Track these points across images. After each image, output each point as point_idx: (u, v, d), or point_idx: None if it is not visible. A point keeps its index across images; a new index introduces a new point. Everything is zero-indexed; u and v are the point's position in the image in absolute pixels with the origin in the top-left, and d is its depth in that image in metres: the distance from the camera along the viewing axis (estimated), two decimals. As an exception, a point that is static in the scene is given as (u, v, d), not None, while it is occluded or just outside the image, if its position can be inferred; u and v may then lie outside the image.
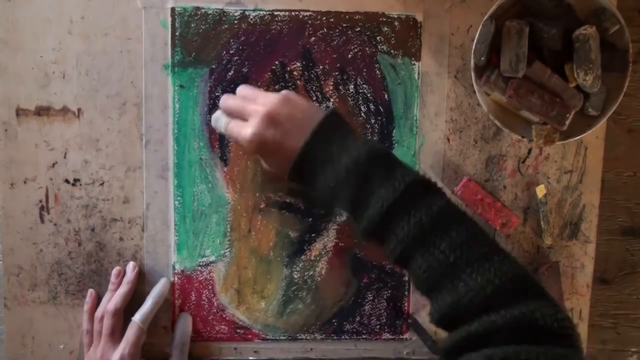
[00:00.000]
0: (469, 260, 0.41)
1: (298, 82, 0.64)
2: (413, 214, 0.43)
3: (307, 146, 0.46)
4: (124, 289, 0.62)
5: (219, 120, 0.55)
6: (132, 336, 0.59)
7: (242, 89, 0.55)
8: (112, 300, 0.61)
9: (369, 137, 0.48)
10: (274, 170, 0.51)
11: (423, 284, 0.43)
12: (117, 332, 0.60)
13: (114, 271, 0.63)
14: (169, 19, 0.63)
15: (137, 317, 0.60)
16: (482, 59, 0.59)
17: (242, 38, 0.63)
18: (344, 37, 0.64)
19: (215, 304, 0.66)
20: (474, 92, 0.62)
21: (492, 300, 0.40)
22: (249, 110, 0.50)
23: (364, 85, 0.65)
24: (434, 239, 0.42)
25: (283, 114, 0.48)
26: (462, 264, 0.41)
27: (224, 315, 0.66)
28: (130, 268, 0.63)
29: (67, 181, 0.64)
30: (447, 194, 0.46)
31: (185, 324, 0.64)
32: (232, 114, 0.53)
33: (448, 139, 0.66)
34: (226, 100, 0.54)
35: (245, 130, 0.49)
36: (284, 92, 0.51)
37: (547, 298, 0.41)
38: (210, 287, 0.66)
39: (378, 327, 0.67)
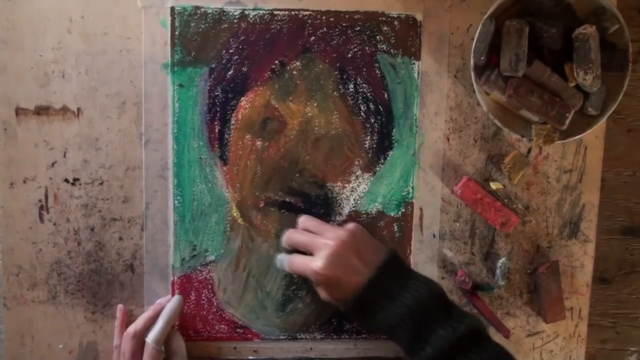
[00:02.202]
0: None
1: (298, 82, 0.64)
2: (470, 356, 0.46)
3: (371, 282, 0.49)
4: (148, 313, 0.61)
5: (282, 261, 0.59)
6: (148, 358, 0.58)
7: (306, 221, 0.58)
8: (134, 322, 0.61)
9: (425, 276, 0.52)
10: (332, 300, 0.52)
11: None
12: (138, 355, 0.59)
13: (161, 299, 0.64)
14: (169, 18, 0.63)
15: (150, 338, 0.59)
16: (482, 58, 0.59)
17: (242, 37, 0.63)
18: (343, 37, 0.64)
19: (215, 303, 0.66)
20: (474, 91, 0.62)
21: None
22: (317, 244, 0.52)
23: (364, 85, 0.65)
24: None
25: (351, 250, 0.51)
26: None
27: (223, 315, 0.66)
28: (169, 298, 0.63)
29: (66, 181, 0.64)
30: (490, 337, 0.50)
31: (175, 301, 0.63)
32: (298, 247, 0.56)
33: (448, 139, 0.66)
34: (292, 234, 0.57)
35: (315, 264, 0.51)
36: (351, 226, 0.54)
37: None
38: (209, 287, 0.66)
39: (378, 326, 0.67)
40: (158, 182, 0.64)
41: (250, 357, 0.67)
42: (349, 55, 0.64)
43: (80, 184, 0.64)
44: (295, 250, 0.60)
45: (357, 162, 0.66)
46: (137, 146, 0.64)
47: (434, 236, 0.67)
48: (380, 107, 0.65)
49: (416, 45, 0.65)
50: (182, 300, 0.63)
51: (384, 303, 0.49)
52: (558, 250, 0.68)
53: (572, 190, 0.67)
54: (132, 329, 0.60)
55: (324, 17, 0.64)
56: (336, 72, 0.64)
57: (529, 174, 0.67)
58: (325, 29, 0.64)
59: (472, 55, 0.60)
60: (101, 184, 0.64)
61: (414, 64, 0.65)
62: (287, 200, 0.65)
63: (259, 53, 0.64)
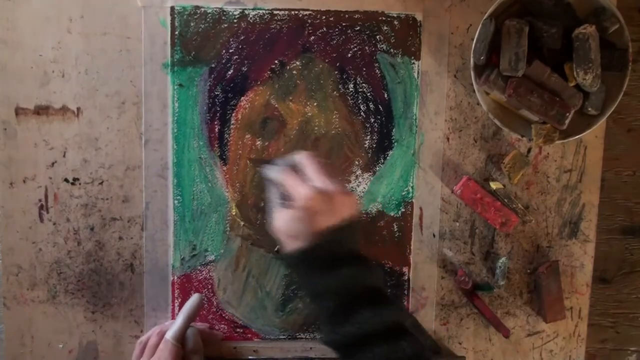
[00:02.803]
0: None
1: (298, 82, 0.64)
2: (387, 351, 0.46)
3: (328, 238, 0.48)
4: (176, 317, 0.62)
5: (272, 170, 0.55)
6: (167, 354, 0.58)
7: (325, 166, 0.55)
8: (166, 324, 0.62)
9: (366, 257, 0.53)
10: (288, 234, 0.51)
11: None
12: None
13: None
14: (169, 18, 0.63)
15: (169, 334, 0.59)
16: (482, 58, 0.59)
17: (242, 37, 0.63)
18: (343, 36, 0.64)
19: (215, 303, 0.66)
20: (474, 91, 0.62)
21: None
22: (322, 179, 0.51)
23: (364, 84, 0.65)
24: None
25: (341, 202, 0.50)
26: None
27: (223, 315, 0.66)
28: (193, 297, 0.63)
29: (66, 180, 0.64)
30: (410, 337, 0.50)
31: (195, 299, 0.63)
32: (303, 170, 0.53)
33: (448, 138, 0.66)
34: (306, 157, 0.54)
35: (306, 188, 0.50)
36: (350, 191, 0.54)
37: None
38: (209, 286, 0.66)
39: (378, 326, 0.67)
40: (158, 181, 0.64)
41: (250, 357, 0.67)
42: (349, 55, 0.64)
43: (80, 184, 0.64)
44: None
45: (356, 162, 0.66)
46: (137, 146, 0.64)
47: (434, 236, 0.67)
48: (380, 106, 0.65)
49: (416, 45, 0.65)
50: (203, 298, 0.63)
51: (327, 266, 0.48)
52: (558, 250, 0.68)
53: (572, 190, 0.67)
54: (157, 328, 0.62)
55: (324, 17, 0.64)
56: (336, 72, 0.64)
57: (529, 174, 0.67)
58: (325, 29, 0.64)
59: (472, 55, 0.60)
60: (101, 183, 0.64)
61: (413, 63, 0.65)
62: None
63: (258, 53, 0.64)
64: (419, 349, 0.48)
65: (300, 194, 0.49)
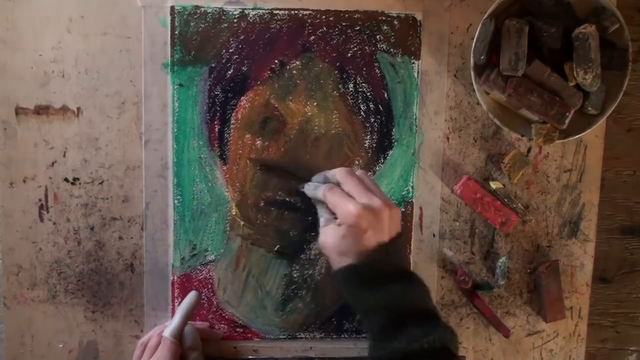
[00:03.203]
0: None
1: (298, 81, 0.64)
2: None
3: (381, 253, 0.49)
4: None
5: (317, 188, 0.56)
6: (166, 352, 0.58)
7: (366, 178, 0.56)
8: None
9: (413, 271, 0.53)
10: (337, 251, 0.51)
11: None
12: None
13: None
14: (169, 18, 0.63)
15: (167, 332, 0.59)
16: (482, 57, 0.59)
17: (242, 37, 0.63)
18: (343, 36, 0.64)
19: (215, 302, 0.66)
20: (474, 90, 0.62)
21: None
22: (368, 195, 0.51)
23: (364, 84, 0.65)
24: None
25: (389, 218, 0.50)
26: None
27: (223, 314, 0.66)
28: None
29: (66, 180, 0.64)
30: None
31: (191, 296, 0.63)
32: (345, 187, 0.53)
33: (447, 138, 0.66)
34: (346, 174, 0.54)
35: (354, 204, 0.50)
36: (394, 204, 0.53)
37: None
38: (209, 286, 0.66)
39: (378, 326, 0.67)
40: (158, 181, 0.64)
41: (250, 357, 0.67)
42: (349, 54, 0.64)
43: (80, 184, 0.64)
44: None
45: (357, 162, 0.66)
46: (137, 146, 0.64)
47: (434, 235, 0.67)
48: (380, 106, 0.65)
49: (416, 45, 0.65)
50: (199, 296, 0.64)
51: (376, 284, 0.49)
52: (558, 249, 0.68)
53: (572, 189, 0.67)
54: (158, 328, 0.62)
55: (324, 17, 0.64)
56: (336, 72, 0.64)
57: (529, 174, 0.67)
58: (325, 29, 0.64)
59: (472, 54, 0.60)
60: (101, 183, 0.64)
61: (413, 63, 0.65)
62: (287, 199, 0.65)
63: (258, 52, 0.64)
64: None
65: (347, 211, 0.49)
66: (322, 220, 0.54)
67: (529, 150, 0.67)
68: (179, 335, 0.59)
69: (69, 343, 0.66)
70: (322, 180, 0.58)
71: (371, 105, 0.65)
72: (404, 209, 0.66)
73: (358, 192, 0.51)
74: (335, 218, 0.52)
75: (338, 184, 0.54)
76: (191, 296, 0.63)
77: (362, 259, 0.49)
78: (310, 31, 0.64)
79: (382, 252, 0.49)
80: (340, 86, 0.65)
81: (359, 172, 0.55)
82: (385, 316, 0.48)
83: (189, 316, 0.61)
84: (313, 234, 0.66)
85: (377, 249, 0.49)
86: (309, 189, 0.58)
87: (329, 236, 0.51)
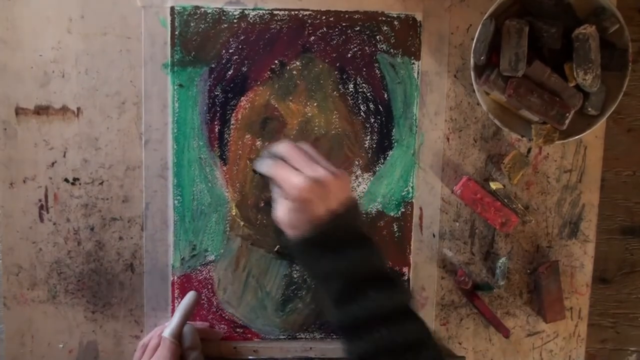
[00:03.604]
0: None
1: (298, 82, 0.64)
2: (390, 330, 0.47)
3: (331, 222, 0.49)
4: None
5: (263, 164, 0.55)
6: (166, 352, 0.58)
7: (308, 148, 0.55)
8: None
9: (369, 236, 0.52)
10: (290, 224, 0.51)
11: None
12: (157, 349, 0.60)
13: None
14: (169, 18, 0.63)
15: (167, 332, 0.59)
16: (482, 58, 0.59)
17: (242, 37, 0.63)
18: (343, 37, 0.64)
19: (215, 303, 0.66)
20: (474, 91, 0.62)
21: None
22: (311, 165, 0.51)
23: (364, 85, 0.65)
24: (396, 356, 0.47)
25: (334, 186, 0.50)
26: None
27: (223, 315, 0.66)
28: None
29: (66, 180, 0.64)
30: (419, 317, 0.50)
31: (190, 296, 0.63)
32: (289, 160, 0.53)
33: (448, 138, 0.66)
34: (289, 147, 0.53)
35: (299, 178, 0.50)
36: (343, 171, 0.53)
37: None
38: (209, 286, 0.66)
39: (377, 326, 0.67)
40: (158, 181, 0.64)
41: (250, 357, 0.67)
42: (349, 55, 0.64)
43: (80, 184, 0.64)
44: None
45: (356, 162, 0.66)
46: (137, 146, 0.64)
47: (434, 236, 0.67)
48: (380, 106, 0.65)
49: (416, 45, 0.65)
50: (198, 296, 0.64)
51: (329, 251, 0.49)
52: (558, 250, 0.68)
53: (572, 190, 0.67)
54: (158, 329, 0.62)
55: (324, 17, 0.64)
56: (336, 72, 0.64)
57: (529, 174, 0.67)
58: (325, 29, 0.64)
59: (472, 55, 0.60)
60: (101, 183, 0.64)
61: (413, 63, 0.65)
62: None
63: (258, 53, 0.64)
64: (425, 331, 0.49)
65: (292, 185, 0.49)
66: (274, 195, 0.54)
67: (529, 150, 0.67)
68: (178, 336, 0.60)
69: (69, 343, 0.66)
70: (268, 155, 0.57)
71: (371, 106, 0.65)
72: (404, 209, 0.66)
73: (302, 165, 0.51)
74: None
75: (283, 159, 0.54)
76: (190, 296, 0.63)
77: (313, 229, 0.48)
78: (310, 31, 0.64)
79: (334, 220, 0.49)
80: (340, 86, 0.65)
81: (303, 144, 0.55)
82: (343, 282, 0.48)
83: (188, 316, 0.61)
84: None
85: (328, 218, 0.49)
86: (257, 165, 0.56)
87: (279, 211, 0.51)
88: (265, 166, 0.53)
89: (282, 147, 0.53)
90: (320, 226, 0.48)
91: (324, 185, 0.49)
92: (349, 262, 0.48)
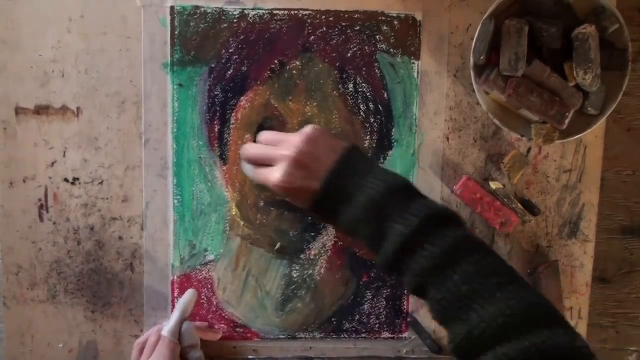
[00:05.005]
0: (482, 291, 0.42)
1: (298, 82, 0.64)
2: (426, 247, 0.44)
3: (323, 188, 0.48)
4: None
5: (245, 167, 0.56)
6: (165, 350, 0.58)
7: (264, 135, 0.55)
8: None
9: (388, 171, 0.48)
10: (300, 206, 0.51)
11: (439, 315, 0.44)
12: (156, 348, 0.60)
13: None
14: (169, 18, 0.63)
15: (166, 331, 0.59)
16: (482, 58, 0.59)
17: (242, 37, 0.63)
18: (343, 36, 0.64)
19: (215, 302, 0.66)
20: (474, 91, 0.62)
21: (505, 331, 0.40)
22: (274, 156, 0.51)
23: (364, 84, 0.65)
24: (448, 272, 0.43)
25: (307, 156, 0.49)
26: (474, 295, 0.42)
27: (223, 314, 0.66)
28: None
29: (66, 180, 0.64)
30: (465, 225, 0.47)
31: (189, 294, 0.63)
32: (257, 162, 0.53)
33: (447, 138, 0.66)
34: (248, 150, 0.54)
35: (273, 176, 0.50)
36: (307, 130, 0.51)
37: (564, 325, 0.41)
38: (209, 286, 0.66)
39: (377, 326, 0.67)
40: (158, 181, 0.64)
41: (250, 357, 0.67)
42: (349, 55, 0.64)
43: (80, 184, 0.64)
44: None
45: (356, 162, 0.65)
46: (137, 146, 0.64)
47: (434, 236, 0.67)
48: (380, 106, 0.65)
49: (416, 45, 0.65)
50: (196, 294, 0.64)
51: (339, 206, 0.47)
52: (558, 250, 0.68)
53: (571, 189, 0.67)
54: (156, 327, 0.62)
55: (324, 17, 0.64)
56: (336, 72, 0.64)
57: (529, 174, 0.67)
58: (325, 29, 0.64)
59: (472, 54, 0.60)
60: (101, 183, 0.64)
61: (413, 63, 0.65)
62: (287, 199, 0.65)
63: (258, 53, 0.64)
64: (462, 227, 0.46)
65: (272, 183, 0.50)
66: (261, 169, 0.53)
67: (528, 150, 0.67)
68: (176, 334, 0.60)
69: (69, 343, 0.66)
70: (243, 161, 0.57)
71: (371, 106, 0.65)
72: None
73: (269, 158, 0.51)
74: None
75: (252, 161, 0.54)
76: (188, 294, 0.63)
77: (324, 181, 0.48)
78: (310, 31, 0.64)
79: (330, 183, 0.48)
80: (340, 86, 0.65)
81: (261, 134, 0.56)
82: (367, 227, 0.46)
83: (187, 314, 0.62)
84: (313, 233, 0.66)
85: (335, 166, 0.48)
86: (243, 151, 0.56)
87: (279, 175, 0.50)
88: (248, 173, 0.54)
89: (244, 151, 0.54)
90: (328, 177, 0.48)
91: (297, 163, 0.49)
92: (359, 206, 0.46)
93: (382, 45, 0.64)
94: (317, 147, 0.50)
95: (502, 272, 0.43)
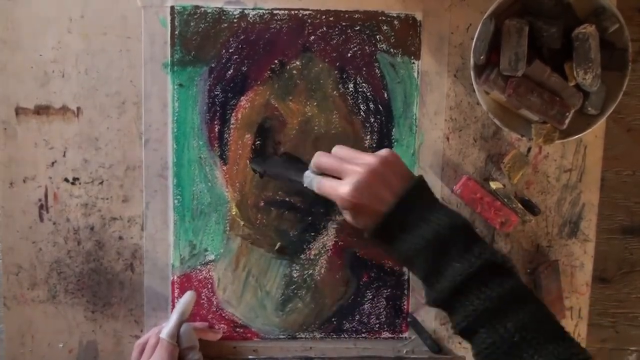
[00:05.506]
0: (533, 342, 0.43)
1: (298, 81, 0.64)
2: (484, 290, 0.45)
3: (389, 213, 0.48)
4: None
5: (309, 178, 0.55)
6: (163, 353, 0.58)
7: (339, 149, 0.55)
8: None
9: (449, 207, 0.50)
10: (358, 226, 0.51)
11: (484, 358, 0.45)
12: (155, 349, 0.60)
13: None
14: (169, 18, 0.63)
15: (164, 333, 0.59)
16: (482, 57, 0.59)
17: (242, 37, 0.63)
18: (343, 36, 0.64)
19: (215, 302, 0.66)
20: (474, 91, 0.62)
21: None
22: (346, 169, 0.51)
23: (364, 84, 0.65)
24: (502, 318, 0.44)
25: (379, 177, 0.49)
26: (525, 345, 0.43)
27: (223, 314, 0.66)
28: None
29: (66, 180, 0.64)
30: (518, 274, 0.48)
31: (187, 296, 0.63)
32: (327, 172, 0.53)
33: (447, 138, 0.66)
34: (322, 157, 0.54)
35: (342, 189, 0.50)
36: (383, 152, 0.51)
37: None
38: (209, 286, 0.66)
39: (377, 325, 0.67)
40: (158, 181, 0.64)
41: (250, 357, 0.67)
42: (349, 54, 0.64)
43: (80, 184, 0.64)
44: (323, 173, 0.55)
45: (356, 162, 0.65)
46: (137, 146, 0.64)
47: (434, 236, 0.67)
48: (380, 106, 0.65)
49: (416, 45, 0.65)
50: (195, 295, 0.64)
51: (401, 234, 0.48)
52: (558, 249, 0.68)
53: (572, 189, 0.67)
54: (156, 329, 0.62)
55: (324, 17, 0.64)
56: (336, 72, 0.64)
57: (529, 173, 0.67)
58: (325, 29, 0.64)
59: (472, 54, 0.60)
60: (101, 183, 0.64)
61: (413, 63, 0.65)
62: (287, 199, 0.65)
63: (258, 52, 0.64)
64: (517, 275, 0.47)
65: (339, 197, 0.49)
66: (330, 183, 0.52)
67: (528, 150, 0.67)
68: (175, 336, 0.60)
69: (69, 343, 0.66)
70: (310, 171, 0.56)
71: (371, 105, 0.65)
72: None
73: (340, 170, 0.51)
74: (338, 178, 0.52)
75: (322, 171, 0.54)
76: (187, 296, 0.63)
77: (392, 206, 0.48)
78: (310, 31, 0.64)
79: (409, 194, 0.48)
80: (340, 86, 0.65)
81: (337, 147, 0.55)
82: (426, 260, 0.47)
83: (185, 316, 0.61)
84: (313, 233, 0.66)
85: (403, 192, 0.48)
86: (305, 183, 0.56)
87: (349, 220, 0.50)
88: (315, 185, 0.54)
89: (316, 159, 0.54)
90: (379, 219, 0.48)
91: (368, 182, 0.49)
92: (422, 238, 0.47)
93: (382, 45, 0.64)
94: (389, 170, 0.50)
95: (552, 324, 0.45)
